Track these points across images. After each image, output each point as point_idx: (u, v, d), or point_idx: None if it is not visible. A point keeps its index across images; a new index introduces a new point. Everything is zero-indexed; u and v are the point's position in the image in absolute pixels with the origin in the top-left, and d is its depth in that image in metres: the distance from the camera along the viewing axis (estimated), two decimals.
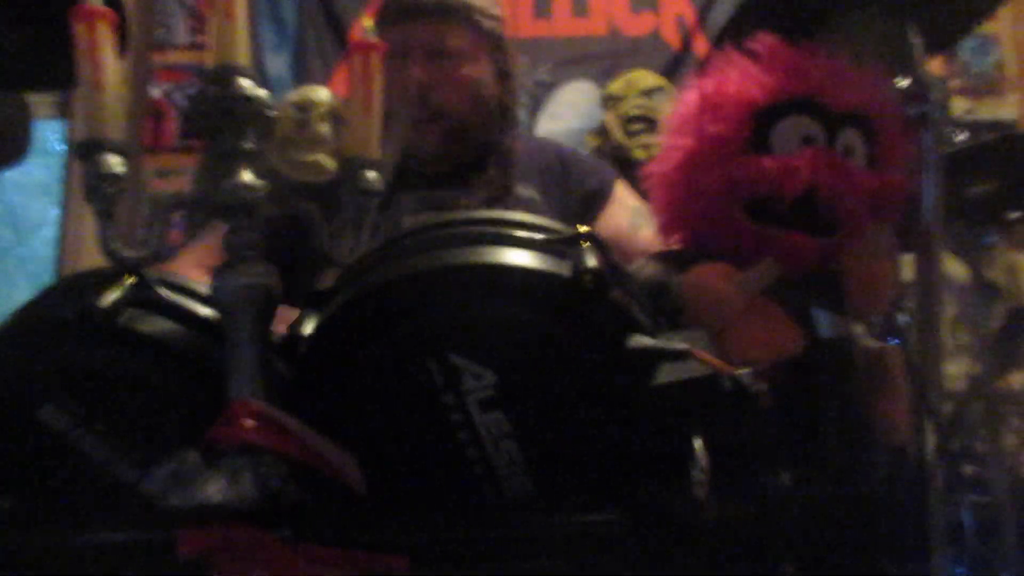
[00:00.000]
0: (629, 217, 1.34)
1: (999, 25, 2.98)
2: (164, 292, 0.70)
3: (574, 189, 1.37)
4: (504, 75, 1.38)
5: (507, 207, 1.31)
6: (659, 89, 2.64)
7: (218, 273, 0.65)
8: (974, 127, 2.74)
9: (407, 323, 0.63)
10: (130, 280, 0.68)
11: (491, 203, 1.31)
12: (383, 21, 1.34)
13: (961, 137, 2.00)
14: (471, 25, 1.31)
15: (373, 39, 0.72)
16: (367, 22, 0.75)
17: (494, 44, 1.35)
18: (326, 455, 0.62)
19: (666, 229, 0.84)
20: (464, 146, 1.33)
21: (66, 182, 2.99)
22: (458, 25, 1.30)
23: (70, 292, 0.72)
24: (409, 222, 1.20)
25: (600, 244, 0.65)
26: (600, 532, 0.64)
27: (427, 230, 0.69)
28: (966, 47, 2.98)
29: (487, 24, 1.34)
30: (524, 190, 1.34)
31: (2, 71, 1.06)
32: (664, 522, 0.62)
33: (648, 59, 2.91)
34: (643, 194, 0.85)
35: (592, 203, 1.36)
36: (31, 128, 1.25)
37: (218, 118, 0.65)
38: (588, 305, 0.62)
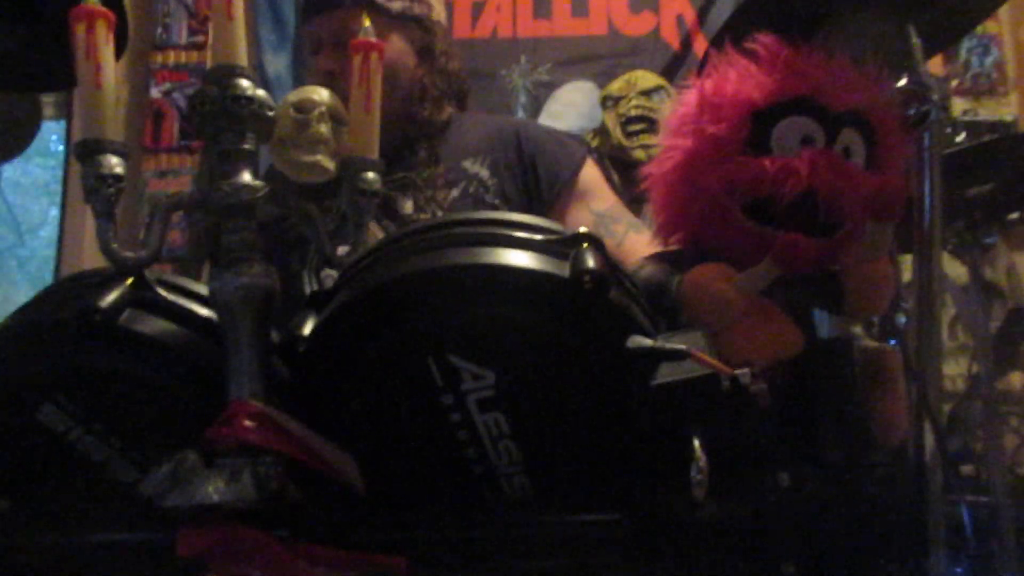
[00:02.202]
0: (591, 224, 1.31)
1: (999, 25, 2.98)
2: (163, 292, 0.70)
3: (527, 168, 1.35)
4: (426, 53, 1.38)
5: (446, 182, 1.31)
6: (659, 89, 2.64)
7: (217, 273, 0.65)
8: (974, 127, 2.74)
9: (407, 323, 0.63)
10: (130, 280, 0.68)
11: (427, 180, 1.31)
12: (301, 21, 1.35)
13: (961, 137, 2.00)
14: (374, 9, 1.31)
15: (373, 39, 0.72)
16: (366, 22, 0.75)
17: (409, 24, 1.36)
18: (325, 455, 0.62)
19: (665, 229, 0.84)
20: (384, 128, 1.32)
21: (66, 182, 3.00)
22: (360, 11, 1.29)
23: (70, 292, 0.72)
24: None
25: (599, 245, 0.65)
26: (599, 532, 0.64)
27: (427, 230, 0.69)
28: (966, 47, 2.98)
29: (396, 5, 1.34)
30: (473, 166, 1.34)
31: (2, 71, 1.06)
32: (663, 522, 0.62)
33: (648, 59, 2.91)
34: (642, 194, 0.85)
35: (551, 191, 1.34)
36: (39, 121, 1.25)
37: (217, 118, 0.65)
38: (587, 306, 0.62)
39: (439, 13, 1.43)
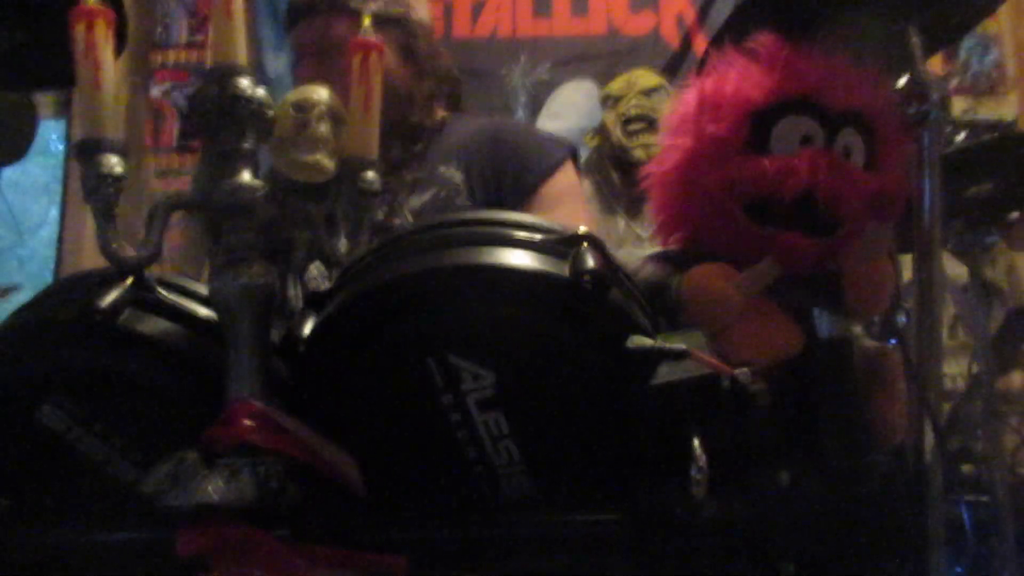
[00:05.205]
0: None
1: (999, 25, 2.98)
2: (163, 292, 0.70)
3: (498, 171, 1.31)
4: (409, 54, 1.35)
5: (418, 187, 1.29)
6: (659, 89, 2.64)
7: (217, 273, 0.65)
8: (974, 127, 2.73)
9: (407, 323, 0.63)
10: (130, 280, 0.68)
11: (396, 186, 1.29)
12: (287, 27, 1.35)
13: (961, 137, 2.00)
14: (349, 13, 1.29)
15: (372, 39, 0.72)
16: (366, 21, 0.75)
17: (387, 26, 1.32)
18: (325, 455, 0.62)
19: (665, 229, 0.84)
20: None
21: (66, 182, 3.00)
22: (340, 17, 1.30)
23: (70, 292, 0.72)
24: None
25: (599, 245, 0.65)
26: (599, 532, 0.64)
27: (427, 230, 0.69)
28: (966, 47, 2.98)
29: (371, 8, 1.31)
30: (447, 170, 1.31)
31: (2, 71, 1.06)
32: (663, 522, 0.62)
33: (648, 59, 2.91)
34: (642, 193, 0.85)
35: (515, 197, 1.30)
36: (36, 125, 1.25)
37: (217, 118, 0.65)
38: (587, 306, 0.62)
39: (420, 13, 1.40)
